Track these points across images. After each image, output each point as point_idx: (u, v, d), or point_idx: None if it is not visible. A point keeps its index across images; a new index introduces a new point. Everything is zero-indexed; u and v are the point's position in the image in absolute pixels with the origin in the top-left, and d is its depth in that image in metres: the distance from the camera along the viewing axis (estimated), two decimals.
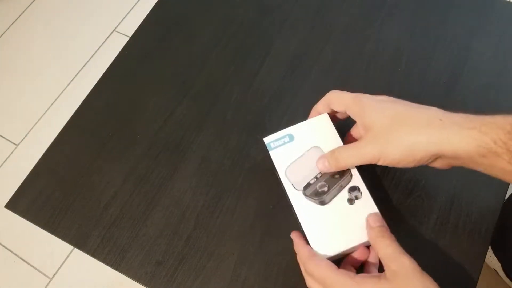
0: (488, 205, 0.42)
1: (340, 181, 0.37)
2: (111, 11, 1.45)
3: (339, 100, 0.38)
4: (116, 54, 0.56)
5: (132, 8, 1.45)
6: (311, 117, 0.42)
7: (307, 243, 0.37)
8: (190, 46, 0.55)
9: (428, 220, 0.42)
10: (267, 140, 0.41)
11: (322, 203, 0.36)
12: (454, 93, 0.48)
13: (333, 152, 0.37)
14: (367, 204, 0.36)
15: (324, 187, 0.37)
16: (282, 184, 0.39)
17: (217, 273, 0.42)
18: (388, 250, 0.32)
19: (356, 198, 0.36)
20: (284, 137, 0.40)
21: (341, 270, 0.33)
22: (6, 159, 1.26)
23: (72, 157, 0.50)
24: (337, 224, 0.36)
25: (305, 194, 0.37)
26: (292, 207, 0.38)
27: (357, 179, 0.37)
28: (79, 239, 0.45)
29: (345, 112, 0.38)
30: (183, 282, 0.42)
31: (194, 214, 0.45)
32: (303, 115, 0.44)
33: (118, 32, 1.42)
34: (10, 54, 1.43)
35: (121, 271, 0.43)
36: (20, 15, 1.49)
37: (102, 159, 0.49)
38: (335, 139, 0.39)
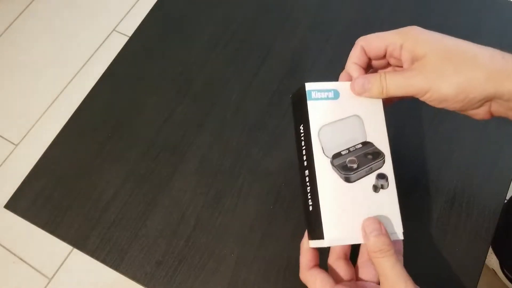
0: (488, 205, 0.42)
1: (372, 163, 0.33)
2: (110, 10, 1.45)
3: (377, 39, 0.33)
4: (116, 54, 0.56)
5: (131, 8, 1.45)
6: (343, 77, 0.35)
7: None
8: (190, 46, 0.55)
9: (429, 220, 0.42)
10: (308, 86, 0.34)
11: (347, 179, 0.32)
12: None
13: (378, 75, 0.32)
14: (390, 198, 0.33)
15: (354, 163, 0.33)
16: (310, 143, 0.33)
17: (217, 273, 0.42)
18: (391, 273, 0.29)
19: (382, 187, 0.33)
20: (329, 90, 0.34)
21: (338, 287, 0.31)
22: (6, 159, 1.26)
23: (72, 157, 0.50)
24: (355, 210, 0.32)
25: (332, 164, 0.32)
26: (312, 174, 0.33)
27: (388, 167, 0.33)
28: (79, 240, 0.45)
29: (385, 57, 0.33)
30: (183, 282, 0.42)
31: (194, 214, 0.45)
32: None
33: (118, 32, 1.41)
34: (9, 54, 1.43)
35: (120, 272, 0.43)
36: (20, 15, 1.49)
37: (101, 159, 0.49)
38: (380, 119, 0.34)
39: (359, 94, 0.33)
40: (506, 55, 0.29)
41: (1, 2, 1.52)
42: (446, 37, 0.31)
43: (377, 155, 0.33)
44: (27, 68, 1.40)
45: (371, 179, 0.33)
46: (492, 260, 0.85)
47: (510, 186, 0.44)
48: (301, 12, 0.56)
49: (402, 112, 0.48)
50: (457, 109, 0.30)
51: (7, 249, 1.13)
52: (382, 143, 0.33)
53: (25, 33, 1.46)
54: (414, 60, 0.31)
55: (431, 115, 0.48)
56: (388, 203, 0.33)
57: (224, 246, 0.43)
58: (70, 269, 1.09)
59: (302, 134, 0.34)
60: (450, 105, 0.30)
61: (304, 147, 0.34)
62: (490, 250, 0.84)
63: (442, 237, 0.41)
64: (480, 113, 0.31)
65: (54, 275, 1.08)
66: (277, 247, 0.43)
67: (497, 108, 0.30)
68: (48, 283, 1.08)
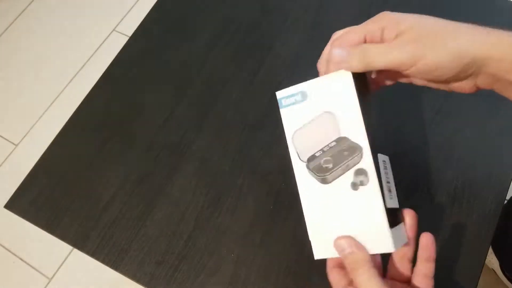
0: (488, 205, 0.42)
1: (348, 159, 0.30)
2: (110, 10, 1.45)
3: (352, 33, 0.31)
4: (116, 54, 0.56)
5: (131, 8, 1.45)
6: (321, 72, 0.34)
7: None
8: (190, 46, 0.55)
9: (429, 220, 0.42)
10: (279, 94, 0.34)
11: (324, 181, 0.31)
12: (454, 93, 0.48)
13: (358, 45, 0.30)
14: (372, 195, 0.30)
15: (329, 163, 0.31)
16: (288, 151, 0.33)
17: (217, 273, 0.42)
18: (368, 285, 0.28)
19: (361, 183, 0.30)
20: (295, 94, 0.33)
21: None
22: (6, 159, 1.26)
23: (72, 157, 0.50)
24: (336, 211, 0.31)
25: (307, 167, 0.32)
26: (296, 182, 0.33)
27: (367, 162, 0.30)
28: (79, 239, 0.45)
29: (365, 38, 0.31)
30: (183, 283, 0.42)
31: (194, 214, 0.45)
32: None
33: (118, 32, 1.41)
34: (9, 53, 1.43)
35: (120, 272, 0.43)
36: (20, 14, 1.49)
37: (101, 159, 0.49)
38: (353, 107, 0.30)
39: (338, 65, 0.30)
40: (487, 28, 0.28)
41: (1, 2, 1.52)
42: (426, 16, 0.30)
43: (353, 149, 0.31)
44: (27, 68, 1.40)
45: (349, 177, 0.31)
46: (492, 260, 0.85)
47: (510, 186, 0.44)
48: (301, 12, 0.56)
49: (401, 113, 0.48)
50: (445, 80, 0.29)
51: (7, 249, 1.13)
52: (359, 135, 0.30)
53: (25, 33, 1.46)
54: (397, 35, 0.29)
55: (431, 115, 0.48)
56: (370, 201, 0.30)
57: (224, 246, 0.43)
58: (70, 269, 1.09)
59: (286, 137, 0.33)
60: (439, 75, 0.28)
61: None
62: (490, 250, 0.84)
63: (442, 237, 0.41)
64: (465, 86, 0.30)
65: (54, 275, 1.08)
66: (277, 247, 0.43)
67: (483, 81, 0.29)
68: (48, 283, 1.08)
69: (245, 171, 0.47)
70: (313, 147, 0.32)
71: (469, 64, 0.28)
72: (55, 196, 0.48)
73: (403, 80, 0.33)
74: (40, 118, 1.31)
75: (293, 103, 0.33)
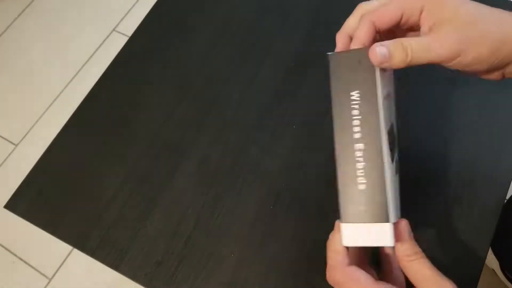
0: (488, 206, 0.42)
1: (394, 141, 0.30)
2: (110, 10, 1.45)
3: (391, 7, 0.29)
4: (116, 54, 0.56)
5: (131, 8, 1.45)
6: (338, 44, 0.32)
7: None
8: (190, 46, 0.55)
9: (429, 220, 0.42)
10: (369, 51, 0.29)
11: (392, 159, 0.30)
12: (455, 93, 0.48)
13: (399, 42, 0.28)
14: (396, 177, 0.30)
15: (392, 140, 0.30)
16: (375, 112, 0.29)
17: (217, 273, 0.42)
18: (427, 272, 0.28)
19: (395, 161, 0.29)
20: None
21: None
22: (5, 159, 1.26)
23: (72, 157, 0.50)
24: (395, 191, 0.30)
25: (387, 141, 0.29)
26: (371, 148, 0.29)
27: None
28: (79, 240, 0.45)
29: (393, 25, 0.29)
30: (183, 283, 0.42)
31: (194, 214, 0.45)
32: (303, 115, 0.44)
33: (118, 32, 1.41)
34: (9, 53, 1.43)
35: (120, 272, 0.43)
36: (19, 14, 1.49)
37: (101, 159, 0.49)
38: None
39: (380, 64, 0.28)
40: None
41: (1, 2, 1.52)
42: (467, 0, 0.29)
43: (394, 134, 0.31)
44: (27, 68, 1.40)
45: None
46: (492, 260, 0.85)
47: (510, 186, 0.44)
48: (301, 12, 0.56)
49: (401, 113, 0.48)
50: (492, 68, 0.28)
51: (7, 249, 1.13)
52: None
53: (25, 33, 1.46)
54: (437, 23, 0.28)
55: (431, 116, 0.48)
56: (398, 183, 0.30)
57: (224, 246, 0.43)
58: (70, 269, 1.09)
59: (356, 102, 0.29)
60: (476, 69, 0.28)
61: (360, 117, 0.29)
62: (490, 250, 0.84)
63: (442, 237, 0.41)
64: (494, 74, 0.30)
65: (54, 275, 1.08)
66: (277, 247, 0.43)
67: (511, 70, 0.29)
68: (48, 283, 1.08)
69: (245, 171, 0.47)
70: (389, 120, 0.30)
71: (505, 60, 0.28)
72: (55, 196, 0.48)
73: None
74: (40, 118, 1.31)
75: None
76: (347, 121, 0.29)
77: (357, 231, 0.29)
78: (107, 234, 0.45)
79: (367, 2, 0.31)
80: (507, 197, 0.61)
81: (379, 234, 0.28)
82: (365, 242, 0.29)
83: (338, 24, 0.46)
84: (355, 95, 0.29)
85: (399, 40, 0.28)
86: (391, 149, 0.29)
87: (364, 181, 0.29)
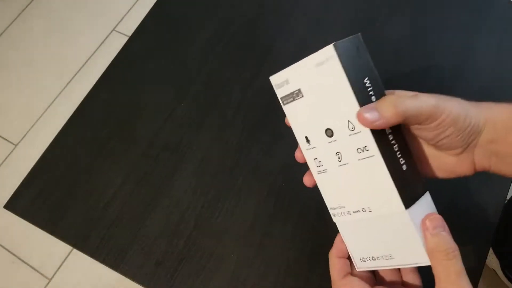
0: (489, 206, 0.42)
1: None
2: (110, 10, 1.45)
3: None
4: (116, 54, 0.56)
5: (131, 8, 1.45)
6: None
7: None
8: (190, 46, 0.55)
9: None
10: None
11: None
12: (455, 93, 0.48)
13: (384, 99, 0.28)
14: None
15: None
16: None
17: (217, 273, 0.42)
18: (457, 279, 0.26)
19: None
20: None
21: None
22: (5, 159, 1.26)
23: (71, 157, 0.50)
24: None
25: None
26: (402, 134, 0.30)
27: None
28: (78, 240, 0.45)
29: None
30: (183, 283, 0.42)
31: (194, 214, 0.45)
32: None
33: (118, 32, 1.41)
34: (9, 53, 1.43)
35: (120, 272, 0.43)
36: (19, 14, 1.49)
37: (101, 159, 0.49)
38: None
39: (371, 124, 0.27)
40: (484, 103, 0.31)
41: (1, 2, 1.52)
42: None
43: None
44: (27, 68, 1.39)
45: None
46: (492, 260, 0.85)
47: (510, 186, 0.44)
48: (301, 12, 0.56)
49: None
50: (453, 142, 0.30)
51: (7, 249, 1.13)
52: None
53: (25, 33, 1.46)
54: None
55: None
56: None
57: (224, 246, 0.43)
58: (70, 269, 1.09)
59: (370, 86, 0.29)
60: (453, 133, 0.29)
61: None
62: (491, 250, 0.84)
63: None
64: (463, 163, 0.32)
65: (53, 275, 1.08)
66: (277, 247, 0.43)
67: (480, 156, 0.31)
68: (48, 283, 1.08)
69: (245, 171, 0.47)
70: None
71: (475, 126, 0.29)
72: (55, 196, 0.48)
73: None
74: (40, 118, 1.30)
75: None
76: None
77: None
78: (107, 234, 0.45)
79: None
80: (508, 197, 0.61)
81: None
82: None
83: (338, 24, 0.46)
84: (368, 81, 0.30)
85: (383, 98, 0.29)
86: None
87: (403, 162, 0.30)
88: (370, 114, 0.27)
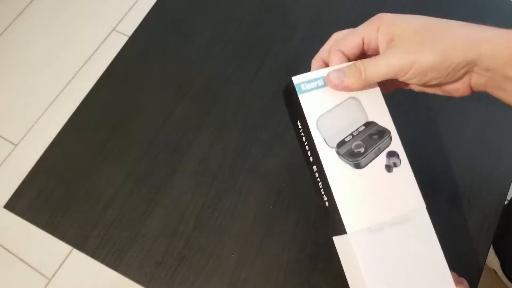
0: (489, 206, 0.42)
1: (379, 142, 0.31)
2: (110, 10, 1.45)
3: (353, 35, 0.32)
4: (116, 54, 0.56)
5: (131, 8, 1.45)
6: (313, 65, 0.35)
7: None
8: (190, 46, 0.55)
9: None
10: (296, 80, 0.32)
11: (358, 166, 0.31)
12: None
13: (352, 64, 0.30)
14: (405, 174, 0.32)
15: (360, 147, 0.31)
16: (311, 137, 0.31)
17: (217, 273, 0.42)
18: None
19: (395, 165, 0.31)
20: (317, 79, 0.32)
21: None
22: (5, 159, 1.26)
23: (71, 157, 0.50)
24: (372, 195, 0.31)
25: (338, 153, 0.31)
26: (320, 168, 0.31)
27: (396, 144, 0.32)
28: (78, 240, 0.45)
29: (361, 49, 0.32)
30: (183, 283, 0.42)
31: (194, 214, 0.45)
32: None
33: (118, 32, 1.41)
34: (9, 53, 1.43)
35: (120, 272, 0.43)
36: (19, 14, 1.49)
37: (101, 159, 0.49)
38: (376, 95, 0.32)
39: (336, 87, 0.31)
40: (480, 25, 0.29)
41: (1, 2, 1.52)
42: (419, 16, 0.31)
43: (383, 133, 0.32)
44: (26, 68, 1.39)
45: (381, 160, 0.31)
46: (493, 261, 0.85)
47: (511, 187, 0.44)
48: (301, 12, 0.56)
49: (401, 113, 0.48)
50: (440, 82, 0.30)
51: (7, 249, 1.13)
52: (385, 119, 0.32)
53: (25, 33, 1.46)
54: (390, 40, 0.30)
55: (431, 116, 0.48)
56: (404, 181, 0.31)
57: (224, 246, 0.43)
58: (70, 269, 1.09)
59: (301, 130, 0.32)
60: (434, 77, 0.29)
61: (306, 143, 0.32)
62: (491, 250, 0.84)
63: (443, 238, 0.41)
64: (460, 87, 0.31)
65: (53, 275, 1.08)
66: (277, 247, 0.43)
67: (477, 80, 0.30)
68: (48, 283, 1.08)
69: (245, 171, 0.47)
70: (341, 132, 0.32)
71: (461, 64, 0.28)
72: (55, 196, 0.48)
73: (402, 86, 0.34)
74: (39, 118, 1.30)
75: (315, 88, 0.32)
76: (303, 148, 0.32)
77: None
78: (107, 234, 0.45)
79: (340, 31, 0.34)
80: (508, 197, 0.61)
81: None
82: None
83: (338, 24, 0.46)
84: (299, 124, 0.32)
85: (353, 62, 0.31)
86: (354, 156, 0.31)
87: (326, 199, 0.31)
88: (335, 78, 0.30)
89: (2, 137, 1.29)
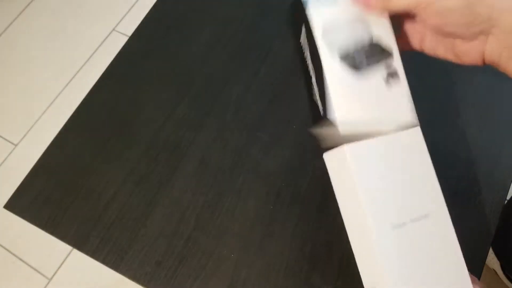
0: (489, 206, 0.42)
1: (381, 55, 0.33)
2: (110, 10, 1.45)
3: None
4: (116, 54, 0.56)
5: (131, 8, 1.45)
6: None
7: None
8: (190, 46, 0.55)
9: None
10: None
11: (356, 66, 0.32)
12: (454, 92, 0.48)
13: None
14: (402, 89, 0.33)
15: (362, 55, 0.32)
16: (316, 46, 0.32)
17: (217, 273, 0.42)
18: None
19: (392, 76, 0.33)
20: None
21: None
22: (5, 159, 1.26)
23: (71, 157, 0.50)
24: (368, 101, 0.32)
25: (340, 57, 0.32)
26: (319, 73, 0.33)
27: (397, 62, 0.33)
28: (78, 240, 0.45)
29: None
30: (183, 283, 0.42)
31: (194, 214, 0.45)
32: (304, 115, 0.43)
33: (118, 32, 1.41)
34: (9, 53, 1.43)
35: (120, 272, 0.43)
36: (19, 14, 1.49)
37: (101, 159, 0.49)
38: (387, 30, 0.33)
39: (358, 0, 0.32)
40: None
41: (1, 2, 1.52)
42: None
43: (384, 50, 0.33)
44: (26, 68, 1.39)
45: (381, 72, 0.32)
46: (493, 261, 0.85)
47: (511, 186, 0.44)
48: None
49: None
50: (456, 31, 0.30)
51: (7, 249, 1.13)
52: (390, 41, 0.33)
53: (25, 33, 1.46)
54: None
55: (431, 115, 0.48)
56: (400, 95, 0.33)
57: (224, 246, 0.43)
58: (70, 269, 1.09)
59: (307, 40, 0.33)
60: (451, 22, 0.29)
61: (310, 54, 0.33)
62: (491, 250, 0.84)
63: None
64: (472, 51, 0.31)
65: (53, 275, 1.08)
66: (277, 247, 0.43)
67: (492, 47, 0.29)
68: (48, 283, 1.08)
69: (245, 171, 0.47)
70: (346, 45, 0.32)
71: (482, 14, 0.28)
72: (55, 196, 0.48)
73: (415, 46, 0.34)
74: (40, 118, 1.31)
75: (323, 4, 0.33)
76: (304, 63, 0.35)
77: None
78: (107, 234, 0.45)
79: None
80: (508, 197, 0.61)
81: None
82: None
83: None
84: (305, 35, 0.34)
85: None
86: (355, 58, 0.32)
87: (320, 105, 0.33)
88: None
89: (2, 137, 1.29)
